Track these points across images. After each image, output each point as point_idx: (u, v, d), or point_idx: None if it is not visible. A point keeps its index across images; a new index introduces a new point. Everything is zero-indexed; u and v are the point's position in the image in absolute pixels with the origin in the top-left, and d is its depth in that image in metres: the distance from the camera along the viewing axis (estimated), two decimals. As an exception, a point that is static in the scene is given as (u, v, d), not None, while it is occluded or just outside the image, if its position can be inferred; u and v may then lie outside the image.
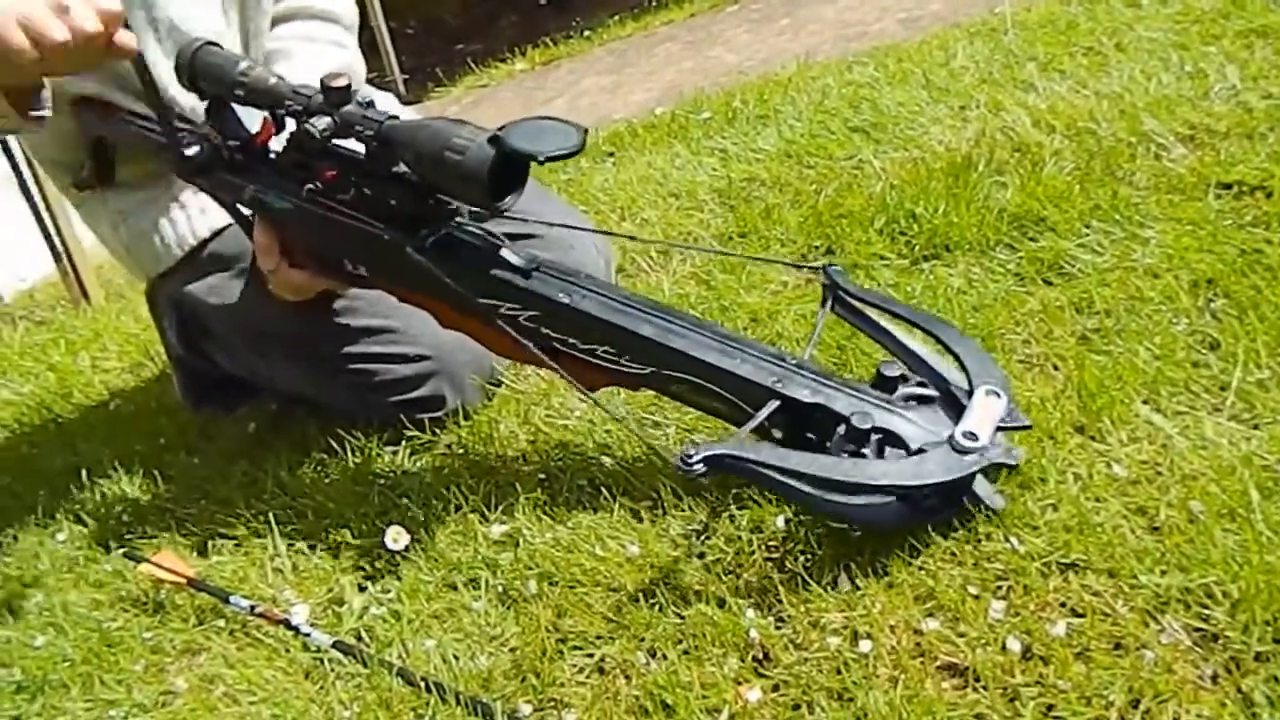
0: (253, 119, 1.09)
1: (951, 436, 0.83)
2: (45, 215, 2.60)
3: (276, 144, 1.09)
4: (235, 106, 1.08)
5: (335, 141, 0.99)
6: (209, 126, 1.10)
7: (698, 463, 0.82)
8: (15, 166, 2.56)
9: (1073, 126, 1.49)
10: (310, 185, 1.03)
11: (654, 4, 4.20)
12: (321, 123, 0.96)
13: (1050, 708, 0.70)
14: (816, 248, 1.40)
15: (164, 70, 1.14)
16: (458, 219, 1.01)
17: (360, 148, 0.99)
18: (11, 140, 2.54)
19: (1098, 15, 1.94)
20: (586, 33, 4.16)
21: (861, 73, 2.03)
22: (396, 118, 0.96)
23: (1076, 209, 1.27)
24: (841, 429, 0.87)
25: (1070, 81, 1.66)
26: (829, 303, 0.98)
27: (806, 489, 0.84)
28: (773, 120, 1.90)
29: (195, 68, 1.05)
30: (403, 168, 0.97)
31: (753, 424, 0.88)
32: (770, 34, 3.10)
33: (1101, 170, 1.35)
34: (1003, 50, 1.91)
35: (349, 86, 0.97)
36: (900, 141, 1.64)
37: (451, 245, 1.00)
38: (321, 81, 0.97)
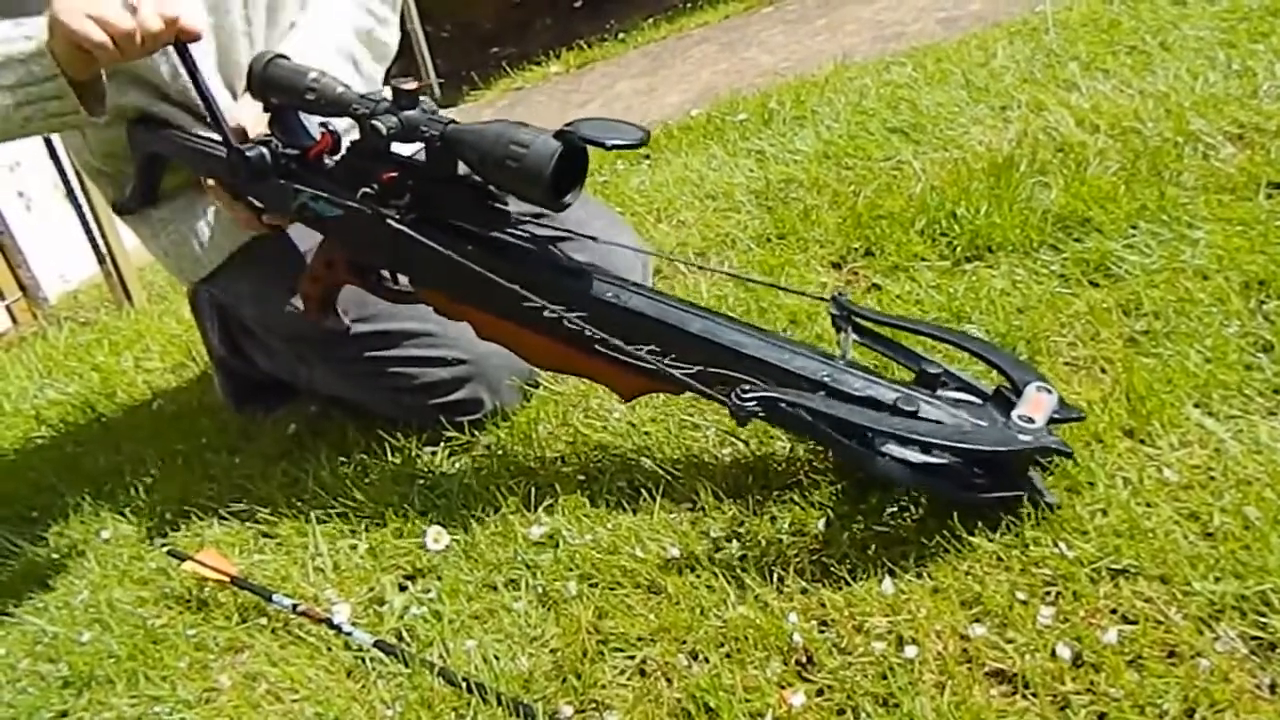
0: (314, 130, 1.11)
1: (1007, 420, 0.83)
2: (90, 219, 2.64)
3: (332, 160, 1.10)
4: (301, 116, 1.11)
5: (395, 148, 1.00)
6: (268, 133, 1.12)
7: (752, 400, 0.83)
8: (62, 172, 2.61)
9: (1117, 126, 1.47)
10: (366, 189, 1.04)
11: (688, 6, 4.20)
12: (388, 121, 0.98)
13: (1102, 716, 0.69)
14: (856, 249, 1.39)
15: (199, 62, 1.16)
16: (510, 223, 1.02)
17: (419, 154, 1.01)
18: (59, 146, 2.58)
19: (1141, 14, 1.91)
20: (621, 35, 4.17)
21: (900, 73, 2.01)
22: (457, 122, 0.97)
23: (1122, 209, 1.25)
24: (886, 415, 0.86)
25: (1114, 81, 1.64)
26: (846, 330, 0.98)
27: (855, 445, 0.85)
28: (810, 121, 1.89)
29: (266, 79, 1.07)
30: (462, 170, 0.99)
31: (806, 395, 0.88)
32: (806, 35, 3.09)
33: (1148, 170, 1.33)
34: (1044, 50, 1.88)
35: (416, 91, 0.99)
36: (940, 142, 1.62)
37: (501, 248, 1.01)
38: (392, 85, 0.99)
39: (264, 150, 1.10)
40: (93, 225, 2.65)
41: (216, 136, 1.11)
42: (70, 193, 2.65)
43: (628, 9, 4.68)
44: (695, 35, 3.70)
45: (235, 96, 1.21)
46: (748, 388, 0.84)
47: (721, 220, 1.60)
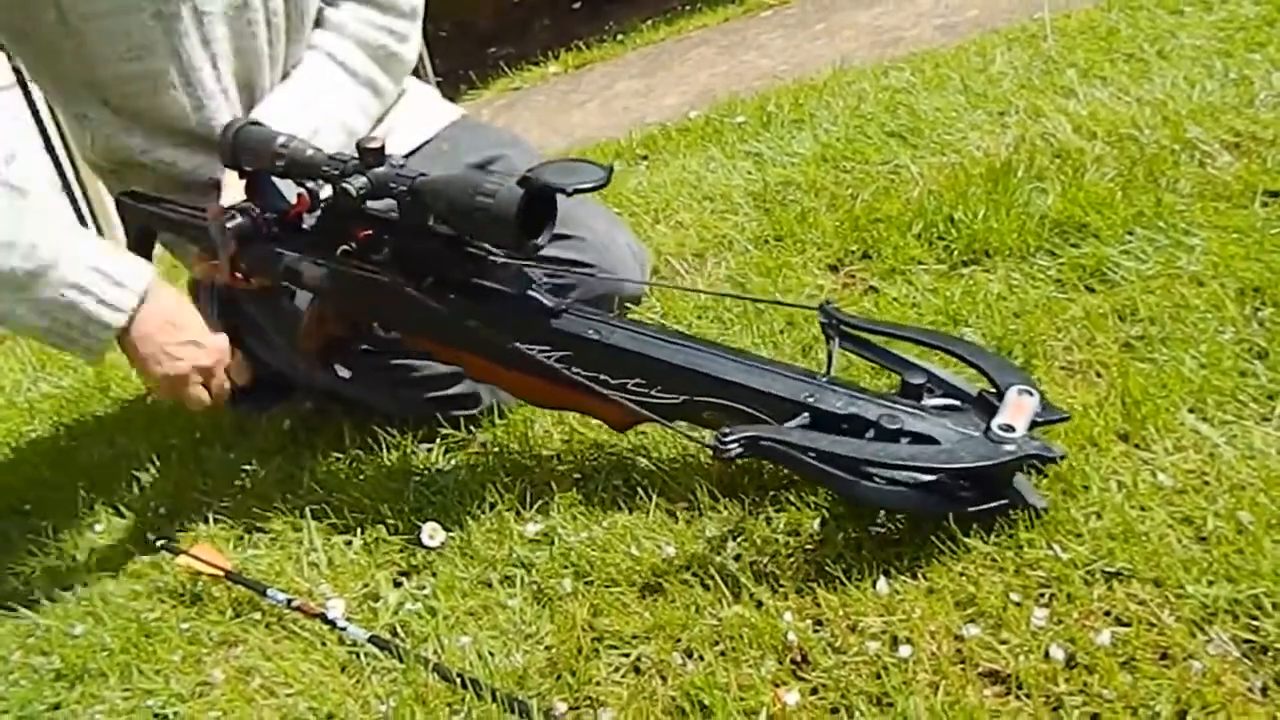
0: (289, 193, 1.13)
1: (987, 429, 0.83)
2: (86, 213, 2.64)
3: (311, 219, 1.12)
4: (275, 180, 1.13)
5: (369, 204, 1.02)
6: (247, 201, 1.14)
7: (733, 443, 0.83)
8: (58, 165, 2.61)
9: (1114, 133, 1.48)
10: (345, 247, 1.06)
11: (687, 8, 4.20)
12: (358, 182, 1.00)
13: (1095, 717, 0.69)
14: (853, 252, 1.39)
15: (206, 71, 1.17)
16: (488, 267, 1.03)
17: (393, 209, 1.03)
18: (55, 140, 2.58)
19: (1139, 22, 1.92)
20: (619, 36, 4.17)
21: (898, 78, 2.02)
22: (426, 175, 0.99)
23: (1119, 215, 1.25)
24: (870, 433, 0.87)
25: (1111, 88, 1.64)
26: (834, 340, 0.98)
27: (839, 472, 0.85)
28: (808, 125, 1.90)
29: (236, 145, 1.09)
30: (435, 221, 1.00)
31: (789, 425, 0.88)
32: (805, 39, 3.09)
33: (1144, 177, 1.33)
34: (1042, 56, 1.89)
35: (383, 149, 1.01)
36: (938, 146, 1.63)
37: (481, 293, 1.03)
38: (358, 145, 1.01)
39: (243, 219, 1.12)
40: (89, 219, 2.64)
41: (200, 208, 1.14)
42: (66, 186, 2.65)
43: (627, 10, 4.68)
44: (694, 37, 3.70)
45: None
46: (727, 430, 0.84)
47: (719, 222, 1.61)
